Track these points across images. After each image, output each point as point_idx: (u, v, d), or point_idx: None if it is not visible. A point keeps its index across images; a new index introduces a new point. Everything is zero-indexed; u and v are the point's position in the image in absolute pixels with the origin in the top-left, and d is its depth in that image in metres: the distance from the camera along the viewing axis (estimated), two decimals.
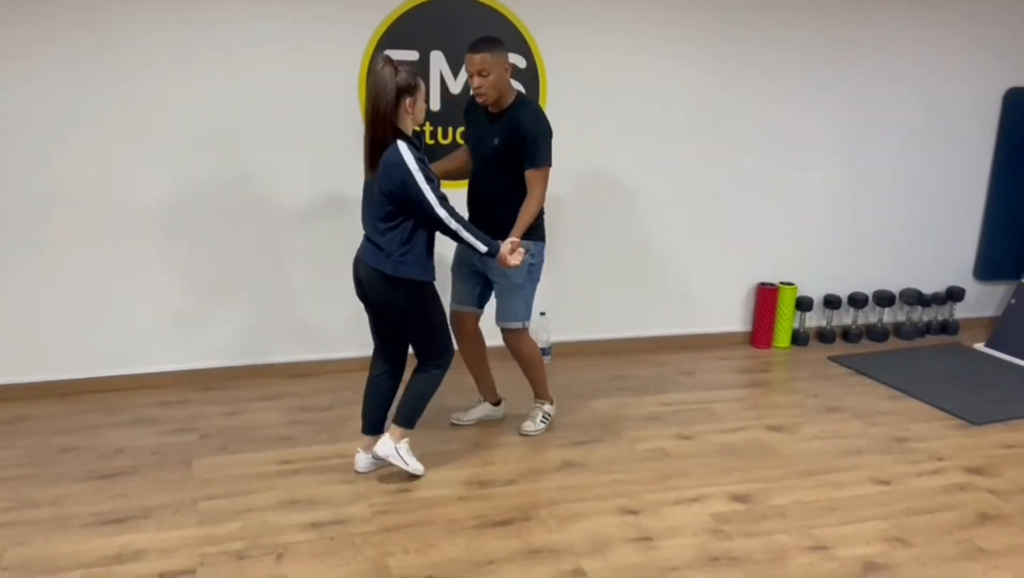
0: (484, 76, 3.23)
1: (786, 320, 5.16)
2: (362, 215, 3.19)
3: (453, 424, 3.83)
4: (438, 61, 4.23)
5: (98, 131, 3.87)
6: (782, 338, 5.20)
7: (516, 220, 3.35)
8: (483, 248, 3.15)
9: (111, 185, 3.95)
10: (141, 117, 3.92)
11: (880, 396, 4.42)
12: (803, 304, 5.21)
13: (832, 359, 5.01)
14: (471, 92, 3.36)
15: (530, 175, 3.35)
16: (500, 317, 3.59)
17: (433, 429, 3.74)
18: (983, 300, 5.77)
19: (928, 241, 5.50)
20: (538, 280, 3.59)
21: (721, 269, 5.09)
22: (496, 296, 3.58)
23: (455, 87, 4.28)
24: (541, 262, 3.55)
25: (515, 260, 3.19)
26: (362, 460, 3.37)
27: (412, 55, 4.18)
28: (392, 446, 3.27)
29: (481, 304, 3.68)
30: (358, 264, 3.19)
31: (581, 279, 4.78)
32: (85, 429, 3.73)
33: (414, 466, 3.33)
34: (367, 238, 3.16)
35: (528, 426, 3.77)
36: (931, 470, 3.58)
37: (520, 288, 3.52)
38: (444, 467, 3.44)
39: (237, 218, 4.16)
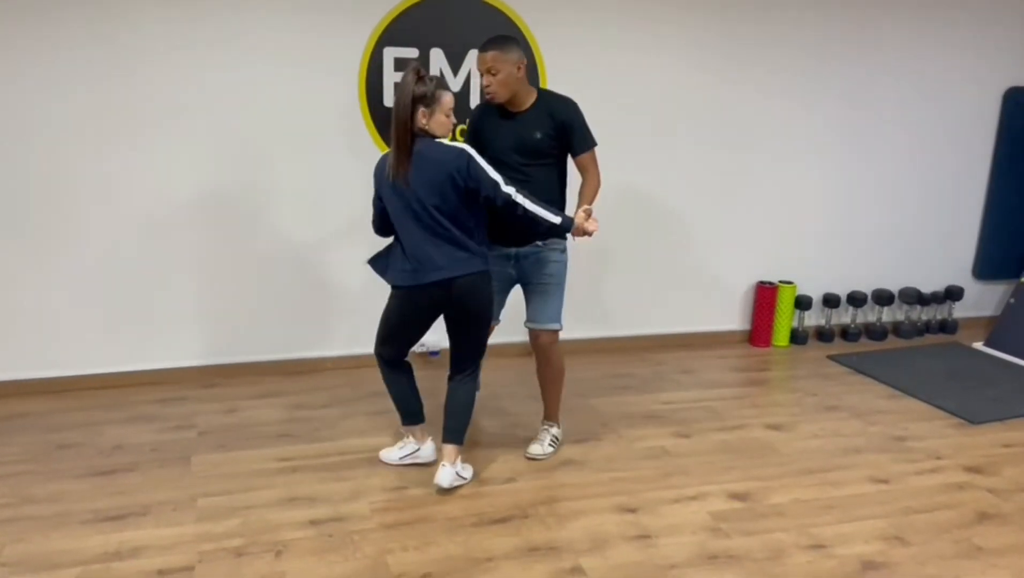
0: (493, 74, 3.22)
1: (785, 319, 5.16)
2: (410, 233, 3.03)
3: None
4: (438, 58, 4.23)
5: (98, 128, 3.86)
6: (781, 337, 5.20)
7: (582, 197, 3.36)
8: (556, 219, 3.11)
9: (107, 183, 3.94)
10: (142, 116, 3.91)
11: (879, 395, 4.42)
12: (802, 303, 5.21)
13: (831, 358, 5.01)
14: (481, 102, 3.36)
15: (586, 158, 3.41)
16: (539, 319, 3.45)
17: (432, 428, 3.73)
18: (982, 299, 5.77)
19: (927, 240, 5.50)
20: None
21: (720, 267, 5.09)
22: (532, 297, 3.47)
23: (455, 84, 4.28)
24: None
25: (593, 225, 3.15)
26: (446, 474, 3.23)
27: (412, 52, 4.18)
28: (454, 472, 3.23)
29: (499, 316, 3.62)
30: (435, 287, 3.05)
31: (580, 277, 4.76)
32: (84, 426, 3.73)
33: (471, 473, 3.34)
34: (431, 253, 3.03)
35: (536, 449, 3.57)
36: (930, 469, 3.58)
37: (560, 286, 3.46)
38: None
39: (235, 215, 4.16)
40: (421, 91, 2.94)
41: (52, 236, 3.92)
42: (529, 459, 3.55)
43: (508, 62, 3.22)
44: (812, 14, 4.80)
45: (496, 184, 3.01)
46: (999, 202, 5.54)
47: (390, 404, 3.38)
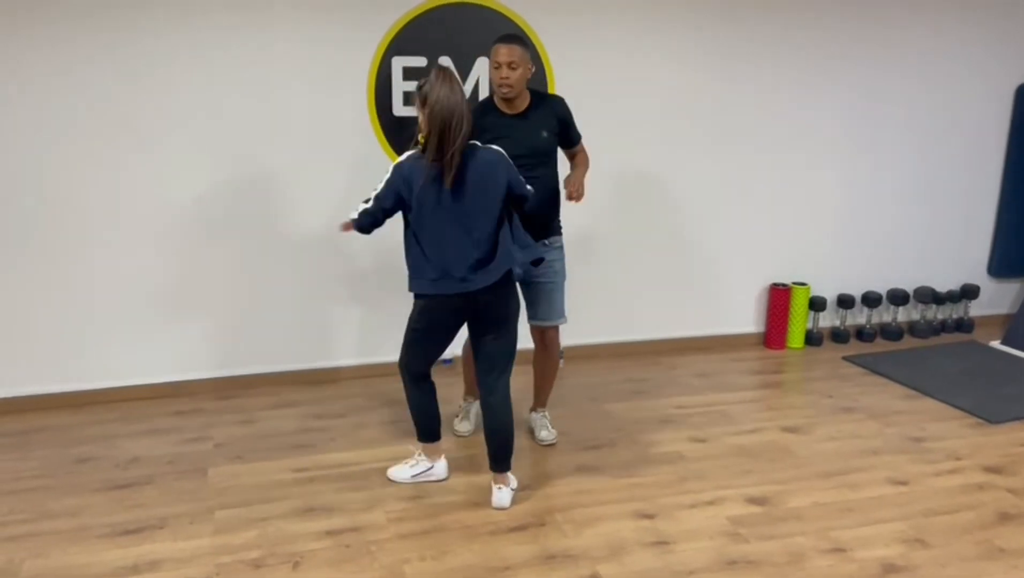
0: (513, 69, 3.19)
1: (799, 320, 5.14)
2: (450, 247, 2.95)
3: (461, 435, 3.79)
4: (446, 66, 4.23)
5: (112, 138, 3.89)
6: (796, 339, 5.18)
7: (579, 171, 3.49)
8: (531, 189, 3.15)
9: (123, 194, 3.96)
10: (151, 127, 3.93)
11: (895, 395, 4.39)
12: (816, 304, 5.18)
13: (846, 359, 4.98)
14: (481, 100, 3.34)
15: (579, 147, 3.57)
16: (552, 316, 3.54)
17: (444, 435, 3.73)
18: (998, 297, 5.73)
19: (942, 239, 5.46)
20: None
21: (733, 270, 5.07)
22: (540, 296, 3.51)
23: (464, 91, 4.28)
24: None
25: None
26: (505, 496, 3.22)
27: (421, 61, 4.19)
28: (510, 490, 3.22)
29: None
30: (459, 300, 3.00)
31: (593, 282, 4.76)
32: (101, 439, 3.75)
33: (516, 481, 3.31)
34: (465, 266, 2.96)
35: (548, 435, 3.75)
36: (949, 470, 3.55)
37: (564, 282, 3.57)
38: (458, 473, 3.44)
39: (249, 226, 4.17)
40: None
41: (67, 249, 3.95)
42: (549, 445, 3.71)
43: (526, 61, 3.24)
44: (822, 11, 4.78)
45: (524, 184, 3.09)
46: (1013, 199, 5.49)
47: (406, 413, 3.38)
